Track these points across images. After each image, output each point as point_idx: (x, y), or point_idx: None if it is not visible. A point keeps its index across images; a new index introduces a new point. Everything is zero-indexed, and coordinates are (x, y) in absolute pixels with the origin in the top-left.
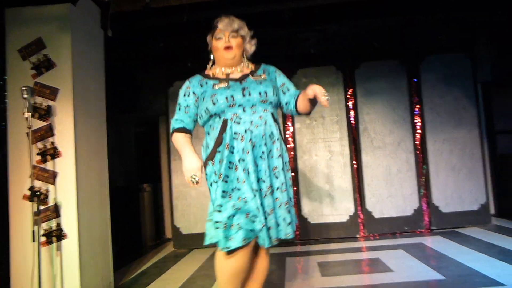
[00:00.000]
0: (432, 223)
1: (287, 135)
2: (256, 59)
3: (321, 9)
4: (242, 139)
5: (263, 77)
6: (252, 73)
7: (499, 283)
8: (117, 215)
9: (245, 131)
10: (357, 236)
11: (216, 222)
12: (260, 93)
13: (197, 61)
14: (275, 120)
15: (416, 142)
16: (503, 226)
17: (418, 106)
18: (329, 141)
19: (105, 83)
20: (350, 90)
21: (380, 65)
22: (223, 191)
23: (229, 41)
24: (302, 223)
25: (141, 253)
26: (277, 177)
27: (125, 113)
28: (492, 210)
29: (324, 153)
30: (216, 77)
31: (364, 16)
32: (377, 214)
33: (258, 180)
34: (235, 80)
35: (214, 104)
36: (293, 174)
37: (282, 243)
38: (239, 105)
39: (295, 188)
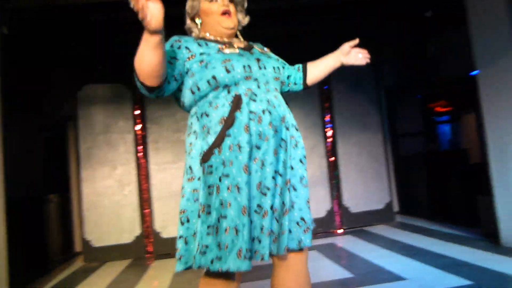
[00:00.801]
0: (343, 223)
1: None
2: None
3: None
4: (259, 120)
5: (266, 50)
6: (253, 46)
7: (402, 277)
8: (17, 229)
9: (263, 111)
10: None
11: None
12: (274, 68)
13: (109, 64)
14: (285, 101)
15: (328, 147)
16: (406, 223)
17: (329, 112)
18: None
19: (1, 84)
20: None
21: None
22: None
23: (227, 5)
24: None
25: (46, 270)
26: (293, 169)
27: (28, 117)
28: (396, 208)
29: None
30: (216, 40)
31: (267, 24)
32: None
33: (275, 173)
34: (244, 49)
35: (228, 72)
36: None
37: None
38: (255, 79)
39: None
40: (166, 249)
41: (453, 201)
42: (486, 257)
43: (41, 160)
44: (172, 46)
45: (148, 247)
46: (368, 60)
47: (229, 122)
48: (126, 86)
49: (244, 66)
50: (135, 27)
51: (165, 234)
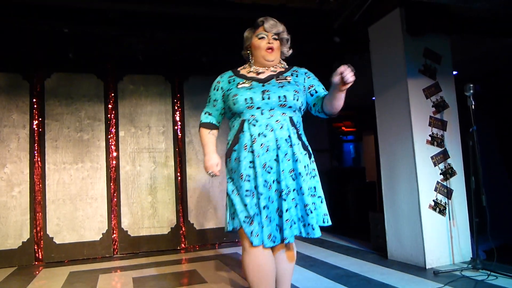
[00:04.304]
0: None
1: (110, 143)
2: (87, 57)
3: (150, 17)
4: (254, 141)
5: (288, 79)
6: (280, 74)
7: (296, 287)
8: None
9: (259, 134)
10: (178, 248)
11: (246, 217)
12: (279, 97)
13: (5, 51)
14: (294, 125)
15: None
16: None
17: None
18: (154, 151)
19: None
20: (178, 102)
21: (207, 79)
22: (247, 190)
23: (272, 42)
24: (121, 236)
25: None
26: (294, 179)
27: None
28: None
29: (148, 163)
30: (243, 75)
31: (194, 27)
32: (198, 226)
33: (274, 181)
34: (259, 81)
35: (234, 104)
36: (114, 185)
37: (100, 259)
38: (258, 108)
39: (115, 200)
40: (59, 256)
41: (350, 216)
42: (374, 269)
43: None
44: (214, 88)
45: (38, 254)
46: (351, 77)
47: (234, 140)
48: (23, 76)
49: (245, 99)
50: (36, 14)
51: (58, 240)
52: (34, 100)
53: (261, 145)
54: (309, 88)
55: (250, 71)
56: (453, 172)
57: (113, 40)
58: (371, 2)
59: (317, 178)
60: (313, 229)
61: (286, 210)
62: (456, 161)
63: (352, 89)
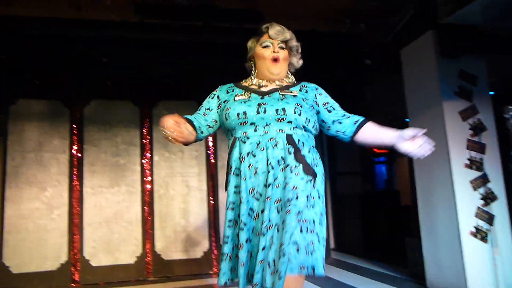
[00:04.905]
0: None
1: (144, 167)
2: (124, 85)
3: (178, 44)
4: (242, 160)
5: (294, 93)
6: (285, 88)
7: None
8: None
9: (247, 154)
10: (211, 272)
11: (222, 254)
12: (276, 111)
13: (47, 79)
14: (293, 143)
15: None
16: (340, 260)
17: None
18: (187, 176)
19: None
20: None
21: None
22: (229, 220)
23: (277, 52)
24: (154, 260)
25: None
26: (279, 212)
27: None
28: (332, 245)
29: (181, 188)
30: (244, 86)
31: (223, 54)
32: None
33: (263, 211)
34: (259, 93)
35: (226, 119)
36: (148, 208)
37: (134, 282)
38: (251, 123)
39: (149, 223)
40: (94, 278)
41: (384, 241)
42: None
43: None
44: (209, 97)
45: (75, 276)
46: (428, 153)
47: (228, 162)
48: (64, 103)
49: (238, 114)
50: (76, 44)
51: (94, 263)
52: (74, 126)
53: (249, 166)
54: (324, 104)
55: (252, 84)
56: (494, 197)
57: (146, 67)
58: (402, 25)
59: (317, 209)
60: (280, 278)
61: (263, 248)
62: (497, 185)
63: (383, 110)
